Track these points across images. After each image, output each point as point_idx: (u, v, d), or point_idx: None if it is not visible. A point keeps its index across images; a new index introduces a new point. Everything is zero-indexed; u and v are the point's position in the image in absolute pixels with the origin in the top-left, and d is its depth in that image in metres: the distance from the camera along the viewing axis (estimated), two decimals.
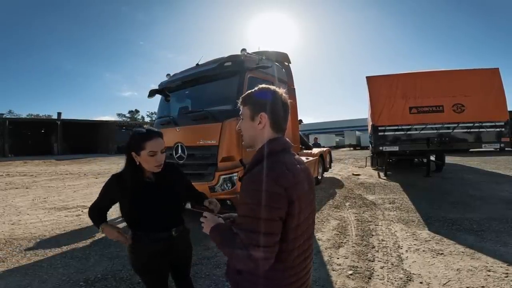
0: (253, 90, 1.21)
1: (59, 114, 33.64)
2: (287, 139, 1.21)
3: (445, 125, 7.99)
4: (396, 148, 8.43)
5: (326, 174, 10.25)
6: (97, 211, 1.76)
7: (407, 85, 8.29)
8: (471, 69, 8.37)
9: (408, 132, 8.28)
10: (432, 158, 9.86)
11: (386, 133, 8.47)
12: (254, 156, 1.15)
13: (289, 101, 1.21)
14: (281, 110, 1.17)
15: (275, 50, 6.40)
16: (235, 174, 4.42)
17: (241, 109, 1.22)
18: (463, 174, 9.78)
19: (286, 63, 6.71)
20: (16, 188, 9.71)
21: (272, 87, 1.19)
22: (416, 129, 8.20)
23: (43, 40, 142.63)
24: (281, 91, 1.19)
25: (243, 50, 4.87)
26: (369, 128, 12.22)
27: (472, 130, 7.96)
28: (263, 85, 1.21)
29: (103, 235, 4.47)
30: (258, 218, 0.98)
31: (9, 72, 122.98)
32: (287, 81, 6.44)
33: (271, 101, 1.16)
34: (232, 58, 4.83)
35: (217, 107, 4.83)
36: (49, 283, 3.06)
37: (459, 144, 8.16)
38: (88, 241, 4.34)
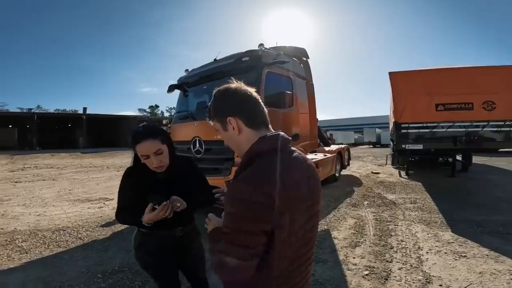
0: (210, 101, 1.09)
1: (84, 109, 34.78)
2: (281, 134, 1.03)
3: (474, 123, 7.58)
4: (420, 146, 8.07)
5: (343, 172, 10.07)
6: (125, 212, 1.67)
7: (433, 81, 7.90)
8: (501, 65, 7.88)
9: (434, 130, 7.91)
10: (458, 157, 9.44)
11: (409, 131, 8.12)
12: (241, 160, 1.03)
13: (250, 89, 1.05)
14: (244, 103, 1.02)
15: (293, 45, 6.31)
16: None
17: (214, 126, 1.11)
18: (489, 175, 9.32)
19: (304, 59, 6.61)
20: (43, 179, 10.16)
21: (221, 87, 1.06)
22: (442, 127, 7.82)
23: (66, 38, 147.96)
24: (234, 84, 1.04)
25: (261, 45, 4.83)
26: (391, 125, 11.82)
27: (502, 129, 7.52)
28: (214, 91, 1.08)
29: (121, 227, 4.66)
30: (236, 230, 0.88)
31: (37, 69, 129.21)
32: (305, 76, 6.35)
33: (228, 101, 1.03)
34: (249, 53, 4.80)
35: None
36: (68, 275, 3.16)
37: (488, 144, 7.74)
38: (108, 233, 4.47)
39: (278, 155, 0.97)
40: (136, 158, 1.65)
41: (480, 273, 3.03)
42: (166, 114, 67.34)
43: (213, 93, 1.08)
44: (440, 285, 2.84)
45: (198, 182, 1.84)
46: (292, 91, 5.48)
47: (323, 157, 7.37)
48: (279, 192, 0.87)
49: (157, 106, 75.59)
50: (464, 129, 7.69)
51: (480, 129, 7.61)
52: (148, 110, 73.63)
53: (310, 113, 6.36)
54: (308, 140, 6.28)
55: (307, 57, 6.64)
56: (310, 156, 6.27)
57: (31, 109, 37.56)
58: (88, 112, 34.67)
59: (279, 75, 5.25)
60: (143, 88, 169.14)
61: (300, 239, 0.99)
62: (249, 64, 4.71)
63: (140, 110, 74.16)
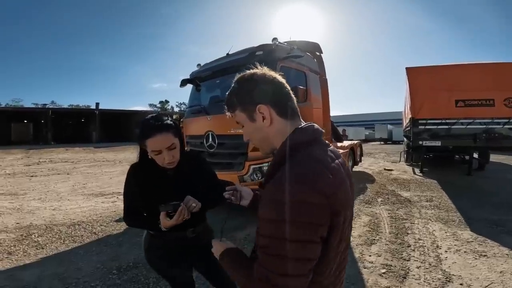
0: (230, 90, 0.96)
1: (97, 104, 35.25)
2: (315, 124, 0.92)
3: (495, 120, 7.35)
4: (438, 143, 7.86)
5: (355, 168, 9.93)
6: (134, 216, 1.57)
7: (453, 77, 7.67)
8: None
9: (453, 127, 7.70)
10: (475, 155, 9.17)
11: (426, 127, 7.94)
12: (275, 156, 0.87)
13: (278, 75, 0.93)
14: (276, 89, 0.90)
15: (306, 40, 6.24)
16: (266, 164, 4.39)
17: (234, 117, 0.97)
18: (508, 174, 9.06)
19: (318, 53, 6.53)
20: (58, 174, 10.35)
21: (246, 73, 0.93)
22: (462, 124, 7.60)
23: (78, 35, 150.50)
24: (260, 70, 0.92)
25: (274, 39, 4.76)
26: (404, 121, 11.50)
27: None
28: (237, 77, 0.95)
29: None
30: (289, 240, 0.72)
31: (50, 66, 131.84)
32: (319, 71, 6.25)
33: (257, 88, 0.89)
34: (263, 47, 4.73)
35: None
36: (83, 271, 3.18)
37: (508, 141, 7.49)
38: (122, 228, 4.50)
39: (319, 146, 0.87)
40: (142, 153, 1.51)
41: (501, 272, 2.98)
42: (176, 109, 67.88)
43: (236, 80, 0.95)
44: (461, 284, 2.80)
45: (209, 179, 1.71)
46: (306, 86, 5.39)
47: None
48: (334, 189, 0.76)
49: (167, 102, 76.63)
50: (484, 126, 7.47)
51: (501, 126, 7.39)
52: (158, 105, 74.53)
53: (324, 108, 6.25)
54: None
55: (321, 51, 6.55)
56: None
57: (45, 104, 38.26)
58: (100, 107, 35.13)
59: (293, 70, 5.17)
60: (153, 84, 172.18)
61: (344, 240, 0.88)
62: (262, 58, 4.57)
63: (150, 105, 75.29)
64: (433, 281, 2.85)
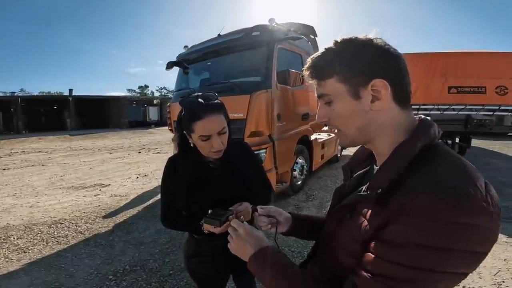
0: (327, 48, 0.68)
1: (70, 90, 33.64)
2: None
3: (486, 107, 7.59)
4: None
5: (344, 152, 9.92)
6: (176, 217, 1.37)
7: (448, 64, 7.82)
8: None
9: (445, 112, 7.87)
10: (457, 139, 9.46)
11: (419, 112, 8.03)
12: (397, 155, 0.62)
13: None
14: (400, 68, 0.66)
15: (301, 23, 5.93)
16: (264, 150, 4.16)
17: (317, 86, 0.71)
18: (488, 159, 9.35)
19: (312, 36, 6.27)
20: (32, 165, 9.62)
21: (363, 36, 0.66)
22: (454, 109, 7.78)
23: (48, 17, 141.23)
24: (380, 39, 0.66)
25: (271, 20, 4.44)
26: None
27: None
28: (345, 37, 0.67)
29: (124, 217, 4.34)
30: (445, 272, 0.53)
31: (18, 51, 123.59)
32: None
33: (381, 57, 0.64)
34: (260, 27, 4.41)
35: (244, 79, 4.47)
36: (76, 278, 2.84)
37: (498, 127, 7.76)
38: (110, 226, 4.13)
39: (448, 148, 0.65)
40: (183, 142, 1.27)
41: (504, 260, 2.98)
42: (157, 94, 65.88)
43: (341, 39, 0.67)
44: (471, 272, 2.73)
45: (257, 175, 1.46)
46: (302, 68, 5.14)
47: (328, 137, 7.13)
48: (493, 202, 0.54)
49: (146, 86, 73.38)
50: (475, 112, 7.69)
51: (491, 113, 7.62)
52: (137, 90, 71.58)
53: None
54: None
55: (315, 35, 6.31)
56: (314, 136, 6.02)
57: (14, 92, 36.03)
58: (74, 93, 33.51)
59: (290, 52, 4.94)
60: (132, 69, 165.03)
61: None
62: (259, 39, 4.33)
63: (129, 90, 71.84)
64: None
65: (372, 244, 0.59)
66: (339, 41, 0.67)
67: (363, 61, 0.64)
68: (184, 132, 1.23)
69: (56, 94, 52.11)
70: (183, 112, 1.21)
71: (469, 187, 0.53)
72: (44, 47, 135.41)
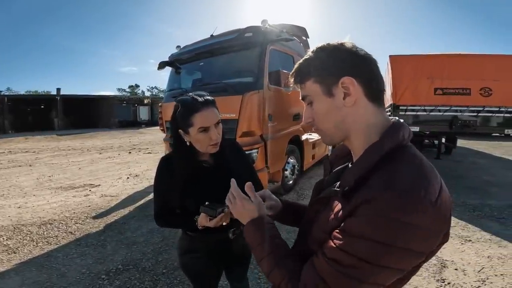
0: (305, 57, 0.76)
1: (58, 90, 33.01)
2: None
3: (470, 108, 7.81)
4: (416, 129, 8.23)
5: None
6: (169, 214, 1.41)
7: (434, 65, 8.03)
8: (499, 54, 8.14)
9: (431, 113, 8.08)
10: (443, 140, 9.69)
11: (407, 113, 8.25)
12: (366, 155, 0.67)
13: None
14: (370, 66, 0.72)
15: (293, 24, 6.05)
16: (255, 150, 4.21)
17: (300, 90, 0.79)
18: (473, 158, 9.59)
19: (304, 38, 6.42)
20: (19, 166, 9.44)
21: (330, 43, 0.74)
22: (439, 110, 8.00)
23: (35, 14, 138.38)
24: (350, 43, 0.73)
25: (264, 21, 4.51)
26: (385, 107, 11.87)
27: (496, 115, 7.77)
28: (318, 46, 0.75)
29: (115, 217, 4.32)
30: (380, 266, 0.59)
31: (4, 50, 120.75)
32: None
33: (350, 58, 0.70)
34: (253, 29, 4.47)
35: (236, 80, 4.52)
36: (69, 277, 2.82)
37: (482, 128, 7.97)
38: (101, 226, 4.11)
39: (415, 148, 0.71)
40: (178, 141, 1.33)
41: (488, 257, 3.06)
42: (147, 94, 65.15)
43: (316, 48, 0.75)
44: (456, 269, 2.85)
45: (248, 173, 1.50)
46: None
47: (319, 137, 7.22)
48: (451, 207, 0.63)
49: (137, 86, 72.50)
50: (460, 113, 7.89)
51: (475, 114, 7.83)
52: (128, 89, 70.52)
53: None
54: None
55: (307, 36, 6.46)
56: (305, 136, 6.10)
57: (0, 91, 35.23)
58: (63, 92, 32.92)
59: (282, 53, 5.00)
60: (122, 68, 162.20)
61: None
62: (252, 40, 4.39)
63: (119, 89, 70.48)
64: (430, 267, 2.87)
65: (334, 232, 0.66)
66: (314, 49, 0.75)
67: (333, 62, 0.71)
68: (180, 130, 1.29)
69: (43, 93, 51.03)
70: (180, 109, 1.27)
71: (421, 188, 0.57)
72: (31, 46, 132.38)
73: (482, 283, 2.63)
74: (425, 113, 8.09)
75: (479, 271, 2.81)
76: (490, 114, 7.78)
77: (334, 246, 0.63)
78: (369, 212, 0.59)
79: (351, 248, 0.60)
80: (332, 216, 0.68)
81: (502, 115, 7.72)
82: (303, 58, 0.78)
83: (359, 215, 0.61)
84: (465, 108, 7.80)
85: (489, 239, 3.47)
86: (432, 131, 8.68)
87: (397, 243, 0.56)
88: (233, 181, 0.95)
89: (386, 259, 0.58)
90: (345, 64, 0.70)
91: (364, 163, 0.66)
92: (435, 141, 9.74)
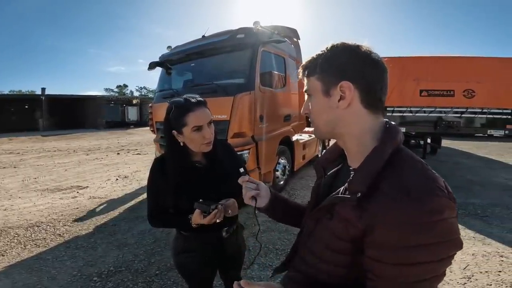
0: (320, 52, 0.77)
1: (43, 89, 32.16)
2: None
3: (454, 109, 8.03)
4: (403, 130, 8.37)
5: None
6: (163, 215, 1.43)
7: (420, 68, 8.22)
8: (483, 56, 8.38)
9: (416, 114, 8.30)
10: (428, 140, 9.92)
11: (394, 114, 8.45)
12: (371, 160, 0.69)
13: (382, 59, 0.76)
14: (374, 75, 0.73)
15: (284, 25, 6.09)
16: (247, 151, 4.24)
17: (304, 82, 0.81)
18: (458, 158, 9.82)
19: (295, 39, 6.46)
20: (4, 167, 9.18)
21: (351, 42, 0.75)
22: (424, 112, 8.22)
23: (21, 14, 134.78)
24: (366, 46, 0.74)
25: (256, 22, 4.57)
26: None
27: (479, 115, 8.02)
28: (332, 44, 0.76)
29: (104, 219, 4.26)
30: (440, 260, 0.62)
31: None
32: (296, 57, 6.17)
33: (354, 62, 0.72)
34: (245, 30, 4.51)
35: (228, 81, 4.53)
36: (60, 280, 2.78)
37: (466, 129, 8.22)
38: (90, 228, 4.05)
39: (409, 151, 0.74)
40: (172, 143, 1.35)
41: (473, 255, 3.14)
42: (136, 94, 64.19)
43: (332, 45, 0.75)
44: None
45: (240, 174, 1.54)
46: (285, 71, 5.37)
47: (309, 138, 7.30)
48: (452, 197, 0.67)
49: (125, 86, 70.97)
50: (444, 115, 8.10)
51: (459, 115, 8.05)
52: (115, 89, 69.22)
53: (299, 94, 6.19)
54: (297, 121, 6.15)
55: (298, 38, 6.50)
56: (296, 137, 6.16)
57: None
58: (48, 92, 32.13)
59: (273, 55, 5.04)
60: (110, 68, 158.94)
61: None
62: (244, 41, 4.42)
63: (106, 89, 69.14)
64: None
65: (370, 251, 0.66)
66: (329, 46, 0.76)
67: (337, 64, 0.73)
68: (173, 131, 1.32)
69: (27, 93, 49.73)
70: (173, 110, 1.30)
71: (436, 190, 0.63)
72: (16, 45, 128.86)
73: (467, 280, 2.70)
74: (411, 114, 8.30)
75: (464, 268, 2.88)
76: (473, 115, 8.01)
77: (382, 262, 0.63)
78: (396, 222, 0.61)
79: (408, 259, 0.61)
80: (350, 224, 0.68)
81: (485, 116, 7.95)
82: (316, 53, 0.78)
83: (387, 226, 0.62)
84: (449, 109, 8.02)
85: (473, 237, 3.56)
86: (418, 132, 8.89)
87: (439, 238, 0.61)
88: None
89: (444, 252, 0.62)
90: (348, 67, 0.72)
91: (371, 168, 0.67)
92: (420, 142, 9.95)
